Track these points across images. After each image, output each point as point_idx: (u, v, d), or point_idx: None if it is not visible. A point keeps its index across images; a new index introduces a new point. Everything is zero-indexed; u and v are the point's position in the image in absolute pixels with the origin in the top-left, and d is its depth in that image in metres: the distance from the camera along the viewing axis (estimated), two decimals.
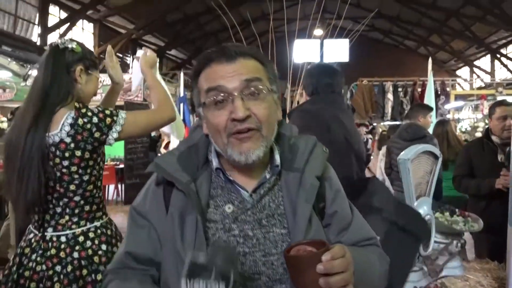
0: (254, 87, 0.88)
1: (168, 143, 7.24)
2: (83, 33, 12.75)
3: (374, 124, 10.70)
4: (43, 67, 1.55)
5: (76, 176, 1.51)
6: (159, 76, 1.96)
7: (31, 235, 1.56)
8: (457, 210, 2.08)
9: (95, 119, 1.50)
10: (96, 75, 1.69)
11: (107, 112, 1.54)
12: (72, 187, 1.52)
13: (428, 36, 16.62)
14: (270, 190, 0.93)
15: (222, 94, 0.87)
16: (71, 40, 1.62)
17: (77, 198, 1.54)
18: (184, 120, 5.31)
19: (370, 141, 10.06)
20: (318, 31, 14.37)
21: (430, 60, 4.96)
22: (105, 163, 7.55)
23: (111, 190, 8.64)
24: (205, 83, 0.90)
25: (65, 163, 1.48)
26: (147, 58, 1.87)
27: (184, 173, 0.90)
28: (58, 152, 1.47)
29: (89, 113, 1.51)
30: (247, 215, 0.90)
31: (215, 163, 0.94)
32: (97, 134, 1.51)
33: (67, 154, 1.48)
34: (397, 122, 9.56)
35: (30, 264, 1.50)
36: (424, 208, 1.83)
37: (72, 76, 1.58)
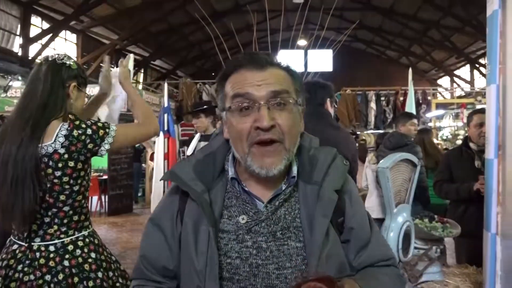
0: (281, 98, 0.87)
1: (152, 153, 7.21)
2: (66, 44, 12.64)
3: (358, 132, 10.83)
4: (41, 80, 1.60)
5: (67, 186, 1.54)
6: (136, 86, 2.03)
7: (15, 246, 1.56)
8: (436, 216, 2.12)
9: (89, 131, 1.56)
10: (84, 92, 1.76)
11: (100, 124, 1.60)
12: (62, 197, 1.55)
13: (409, 46, 16.97)
14: (286, 202, 0.92)
15: (248, 101, 0.87)
16: (68, 57, 1.69)
17: (66, 208, 1.57)
18: (168, 130, 5.30)
19: None
20: (302, 42, 14.57)
21: (410, 70, 5.08)
22: None
23: (94, 202, 8.53)
24: (232, 89, 0.90)
25: (58, 173, 1.51)
26: (122, 71, 1.91)
27: (199, 182, 0.91)
28: (51, 163, 1.50)
29: (83, 125, 1.56)
30: (261, 226, 0.89)
31: (231, 172, 0.93)
32: (90, 146, 1.56)
33: (60, 165, 1.51)
34: (381, 131, 9.74)
35: (17, 275, 1.50)
36: (403, 214, 1.87)
37: (66, 91, 1.64)
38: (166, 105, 5.58)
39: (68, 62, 1.66)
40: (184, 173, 0.92)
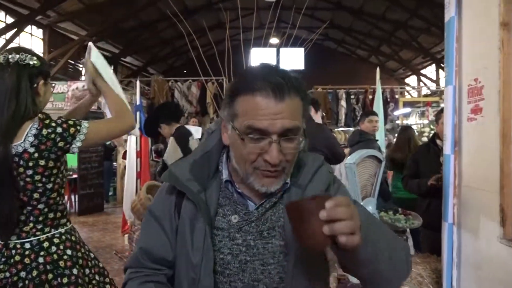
0: (293, 134, 0.87)
1: (125, 152, 7.13)
2: (32, 39, 12.25)
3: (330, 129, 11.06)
4: (7, 85, 1.55)
5: (39, 184, 1.54)
6: (114, 78, 1.92)
7: None
8: (400, 209, 2.25)
9: (59, 129, 1.55)
10: (50, 83, 1.73)
11: (70, 122, 1.59)
12: (35, 195, 1.55)
13: (379, 46, 17.40)
14: (274, 205, 0.96)
15: (261, 135, 0.86)
16: (30, 56, 1.63)
17: (41, 206, 1.57)
18: (140, 128, 5.26)
19: None
20: (274, 40, 14.70)
21: (378, 69, 5.25)
22: None
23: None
24: (245, 115, 0.87)
25: (29, 172, 1.51)
26: (86, 68, 1.86)
27: (195, 183, 0.94)
28: (22, 162, 1.50)
29: (53, 124, 1.56)
30: (250, 226, 0.94)
31: (225, 175, 0.97)
32: (61, 144, 1.55)
33: (30, 164, 1.51)
34: (351, 128, 9.99)
35: None
36: (369, 207, 1.97)
37: (35, 90, 1.62)
38: (138, 103, 5.53)
39: (31, 62, 1.62)
40: (181, 174, 0.96)
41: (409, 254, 0.95)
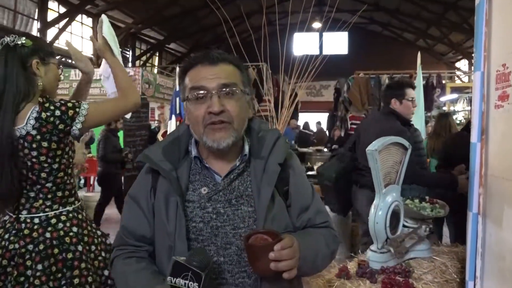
0: (230, 89, 1.06)
1: (165, 132, 7.39)
2: (82, 28, 12.84)
3: None
4: None
5: (45, 165, 1.61)
6: (118, 45, 1.92)
7: (6, 217, 1.68)
8: (427, 197, 2.22)
9: (57, 112, 1.59)
10: (54, 62, 1.74)
11: (69, 104, 1.62)
12: (43, 174, 1.63)
13: (427, 28, 16.65)
14: (240, 175, 1.11)
15: (202, 92, 1.05)
16: (20, 36, 1.65)
17: (49, 185, 1.65)
18: (180, 113, 5.44)
19: None
20: (317, 24, 14.45)
21: (419, 54, 5.07)
22: None
23: None
24: (190, 82, 1.08)
25: (34, 153, 1.58)
26: (98, 44, 1.86)
27: (167, 162, 1.09)
28: (26, 144, 1.57)
29: (52, 107, 1.59)
30: (219, 195, 1.09)
31: (194, 152, 1.12)
32: (61, 126, 1.60)
33: (34, 145, 1.58)
34: None
35: (3, 243, 1.62)
36: (392, 194, 1.96)
37: (30, 71, 1.64)
38: (178, 88, 5.70)
39: (20, 42, 1.62)
40: (154, 155, 1.11)
41: (335, 245, 1.18)
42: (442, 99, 9.80)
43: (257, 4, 13.93)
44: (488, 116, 1.73)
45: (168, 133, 6.03)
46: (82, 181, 9.35)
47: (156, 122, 10.07)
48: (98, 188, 8.79)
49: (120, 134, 8.26)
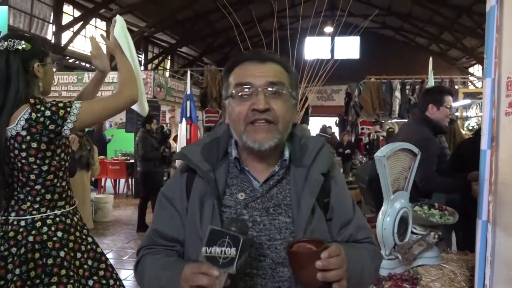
0: (277, 88, 1.00)
1: (176, 136, 7.45)
2: (96, 31, 13.02)
3: (382, 121, 10.76)
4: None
5: (34, 166, 1.61)
6: (135, 54, 1.91)
7: None
8: (436, 204, 2.20)
9: (47, 113, 1.59)
10: (49, 62, 1.75)
11: (60, 105, 1.61)
12: (32, 176, 1.62)
13: (440, 33, 16.50)
14: (279, 183, 1.04)
15: (248, 88, 0.99)
16: (19, 41, 1.65)
17: (38, 187, 1.64)
18: (190, 117, 5.48)
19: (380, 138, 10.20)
20: (328, 29, 14.44)
21: (430, 59, 5.03)
22: (116, 158, 7.74)
23: (122, 184, 8.89)
24: (236, 78, 1.02)
25: (23, 154, 1.58)
26: (108, 43, 1.86)
27: (205, 163, 1.03)
28: (16, 144, 1.58)
29: (42, 108, 1.59)
30: (256, 202, 1.01)
31: (234, 153, 1.05)
32: (51, 127, 1.59)
33: (23, 146, 1.58)
34: (405, 120, 9.63)
35: None
36: (401, 201, 1.96)
37: (32, 74, 1.65)
38: (189, 92, 5.75)
39: (20, 46, 1.63)
40: (192, 155, 1.05)
41: (378, 261, 1.12)
42: (455, 104, 9.71)
43: (269, 9, 13.98)
44: (498, 123, 1.71)
45: (178, 137, 6.11)
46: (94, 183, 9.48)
47: (167, 125, 10.16)
48: (109, 190, 8.90)
49: (132, 136, 8.35)
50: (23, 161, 1.60)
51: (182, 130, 5.75)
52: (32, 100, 1.61)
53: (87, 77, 8.91)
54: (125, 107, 1.80)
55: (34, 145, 1.59)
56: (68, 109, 1.61)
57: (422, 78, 9.85)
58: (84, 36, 12.30)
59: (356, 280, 0.96)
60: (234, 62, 1.06)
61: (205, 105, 10.30)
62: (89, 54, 1.94)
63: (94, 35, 12.75)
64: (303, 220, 0.97)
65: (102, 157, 8.43)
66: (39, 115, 1.58)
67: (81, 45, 12.27)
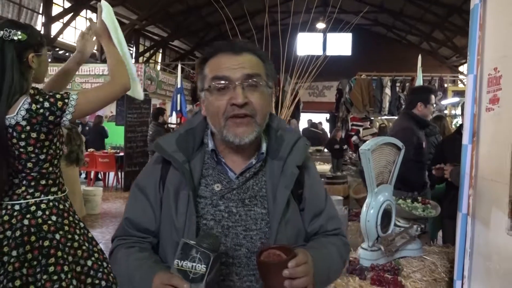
0: (254, 80, 1.00)
1: None
2: (86, 23, 12.87)
3: (372, 118, 10.84)
4: None
5: (32, 155, 1.65)
6: (122, 40, 1.91)
7: None
8: (419, 198, 2.25)
9: (46, 104, 1.62)
10: (45, 53, 1.78)
11: (58, 96, 1.65)
12: (29, 164, 1.66)
13: (431, 31, 16.64)
14: (255, 175, 1.05)
15: (225, 82, 0.98)
16: (15, 31, 1.66)
17: (34, 174, 1.68)
18: (180, 110, 5.49)
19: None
20: (321, 25, 14.47)
21: (419, 57, 5.09)
22: (106, 151, 7.76)
23: (111, 177, 8.86)
24: (211, 71, 1.01)
25: (22, 143, 1.62)
26: (95, 27, 1.86)
27: (180, 153, 1.03)
28: (15, 134, 1.61)
29: (41, 99, 1.63)
30: (232, 194, 1.02)
31: (210, 144, 1.05)
32: (51, 118, 1.63)
33: (23, 136, 1.61)
34: (395, 117, 9.72)
35: None
36: (384, 194, 1.99)
37: (26, 64, 1.67)
38: (179, 86, 5.75)
39: (16, 37, 1.64)
40: (167, 145, 1.05)
41: (347, 255, 1.17)
42: (444, 102, 9.81)
43: (262, 4, 13.96)
44: (479, 119, 1.76)
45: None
46: (83, 175, 9.42)
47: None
48: (98, 183, 8.87)
49: (121, 129, 8.32)
50: (21, 149, 1.64)
51: (172, 121, 5.76)
52: (31, 91, 1.65)
53: (88, 70, 8.83)
54: (120, 95, 1.83)
55: (34, 135, 1.63)
56: (66, 100, 1.65)
57: (412, 75, 9.93)
58: (74, 27, 12.17)
59: (323, 281, 1.01)
60: (209, 54, 1.05)
61: (196, 99, 10.29)
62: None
63: (84, 26, 12.67)
64: (278, 211, 1.00)
65: (92, 150, 8.37)
66: (38, 106, 1.62)
67: (71, 37, 12.14)
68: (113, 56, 1.83)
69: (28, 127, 1.62)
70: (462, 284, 1.82)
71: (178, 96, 5.49)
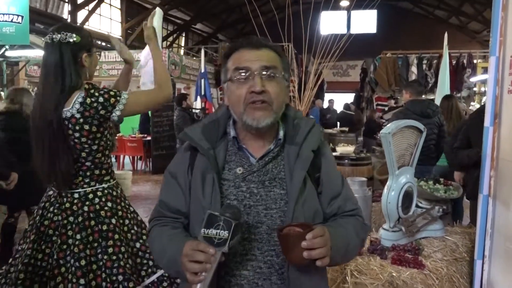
0: (271, 71, 1.12)
1: None
2: (111, 9, 13.07)
3: (398, 97, 10.63)
4: (53, 65, 1.78)
5: (86, 146, 1.80)
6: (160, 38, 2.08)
7: (51, 192, 1.88)
8: (441, 179, 2.27)
9: (101, 99, 1.77)
10: (95, 53, 1.94)
11: (112, 93, 1.80)
12: (83, 154, 1.81)
13: (460, 5, 15.99)
14: (274, 159, 1.16)
15: (246, 72, 1.11)
16: (70, 34, 1.81)
17: (88, 164, 1.84)
18: (205, 95, 5.58)
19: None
20: (345, 2, 14.13)
21: (446, 34, 4.96)
22: (134, 136, 7.94)
23: (140, 161, 9.12)
24: (234, 63, 1.13)
25: (76, 134, 1.77)
26: (146, 33, 2.02)
27: (206, 142, 1.16)
28: (70, 125, 1.76)
29: (96, 94, 1.77)
30: (253, 176, 1.14)
31: (232, 132, 1.17)
32: (102, 112, 1.77)
33: (77, 127, 1.76)
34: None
35: (49, 215, 1.83)
36: (406, 176, 2.03)
37: (80, 64, 1.83)
38: (203, 70, 5.83)
39: (71, 39, 1.79)
40: (194, 134, 1.18)
41: (364, 234, 1.23)
42: (473, 79, 9.53)
43: None
44: (501, 101, 1.76)
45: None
46: (114, 160, 9.73)
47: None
48: (127, 167, 9.15)
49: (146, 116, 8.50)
50: (76, 140, 1.78)
51: (196, 105, 5.86)
52: (86, 86, 1.79)
53: (104, 56, 9.03)
54: (163, 103, 2.00)
55: (86, 127, 1.77)
56: (118, 98, 1.80)
57: (439, 52, 9.63)
58: (100, 14, 12.36)
59: (341, 256, 1.10)
60: (232, 49, 1.17)
61: (220, 83, 10.35)
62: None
63: (109, 14, 12.77)
64: (295, 191, 1.10)
65: (121, 134, 8.63)
66: (93, 99, 1.76)
67: (96, 24, 12.36)
68: (160, 64, 2.00)
69: (81, 120, 1.75)
70: (483, 263, 1.86)
71: (202, 80, 5.56)
